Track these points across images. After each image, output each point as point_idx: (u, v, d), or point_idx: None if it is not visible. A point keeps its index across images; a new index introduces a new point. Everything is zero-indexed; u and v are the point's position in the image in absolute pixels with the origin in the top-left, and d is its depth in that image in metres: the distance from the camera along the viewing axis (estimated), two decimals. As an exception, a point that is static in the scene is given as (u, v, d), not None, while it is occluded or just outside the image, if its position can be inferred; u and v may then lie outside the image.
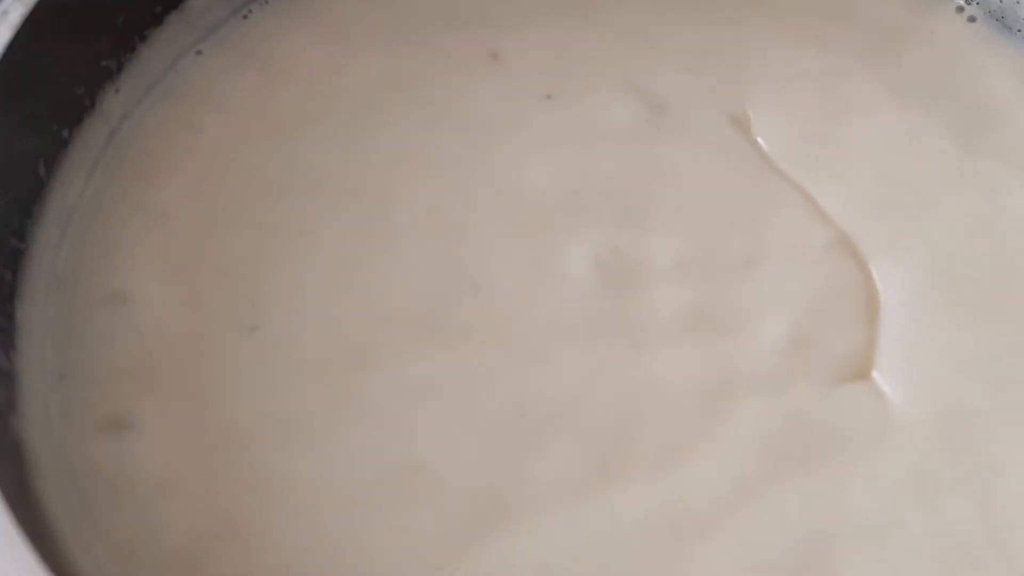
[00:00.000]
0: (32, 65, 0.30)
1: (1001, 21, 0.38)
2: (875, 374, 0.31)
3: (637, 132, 0.35)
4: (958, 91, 0.37)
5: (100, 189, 0.33)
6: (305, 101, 0.35)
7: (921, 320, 0.32)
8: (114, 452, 0.28)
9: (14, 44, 0.29)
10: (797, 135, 0.36)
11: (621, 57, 0.36)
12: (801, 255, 0.33)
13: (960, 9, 0.39)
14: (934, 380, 0.31)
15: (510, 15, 0.37)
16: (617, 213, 0.33)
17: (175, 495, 0.28)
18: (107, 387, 0.29)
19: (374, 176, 0.34)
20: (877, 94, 0.36)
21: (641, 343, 0.31)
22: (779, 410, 0.30)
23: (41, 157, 0.31)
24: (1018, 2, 0.38)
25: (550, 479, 0.28)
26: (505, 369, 0.30)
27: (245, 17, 0.37)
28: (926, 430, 0.30)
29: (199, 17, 0.36)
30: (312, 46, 0.36)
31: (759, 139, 0.36)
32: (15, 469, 0.25)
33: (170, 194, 0.33)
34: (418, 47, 0.36)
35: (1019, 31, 0.38)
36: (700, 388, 0.30)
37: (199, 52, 0.36)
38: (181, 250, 0.32)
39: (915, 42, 0.38)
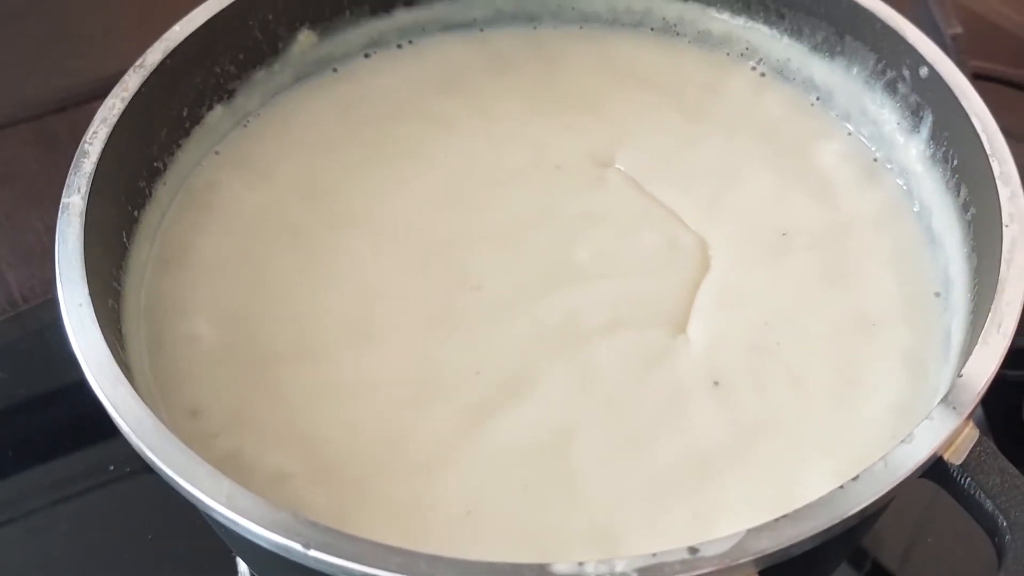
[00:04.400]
0: (111, 166, 0.44)
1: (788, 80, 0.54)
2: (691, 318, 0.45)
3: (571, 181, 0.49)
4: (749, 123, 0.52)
5: (159, 250, 0.47)
6: (315, 164, 0.50)
7: (733, 281, 0.46)
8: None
9: (106, 150, 0.43)
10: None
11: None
12: (661, 251, 0.47)
13: (753, 68, 0.55)
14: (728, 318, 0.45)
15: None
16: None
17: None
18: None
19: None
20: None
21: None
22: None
23: (123, 228, 0.45)
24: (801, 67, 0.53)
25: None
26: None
27: (245, 126, 0.52)
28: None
29: (214, 129, 0.51)
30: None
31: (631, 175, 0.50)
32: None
33: (210, 249, 0.47)
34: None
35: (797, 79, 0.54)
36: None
37: (217, 152, 0.51)
38: (222, 287, 0.46)
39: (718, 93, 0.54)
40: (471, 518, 0.39)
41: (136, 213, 0.46)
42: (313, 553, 0.33)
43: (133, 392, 0.37)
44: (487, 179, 0.49)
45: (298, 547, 0.33)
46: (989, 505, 0.35)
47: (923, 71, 0.47)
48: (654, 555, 0.33)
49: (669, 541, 0.33)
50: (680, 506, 0.39)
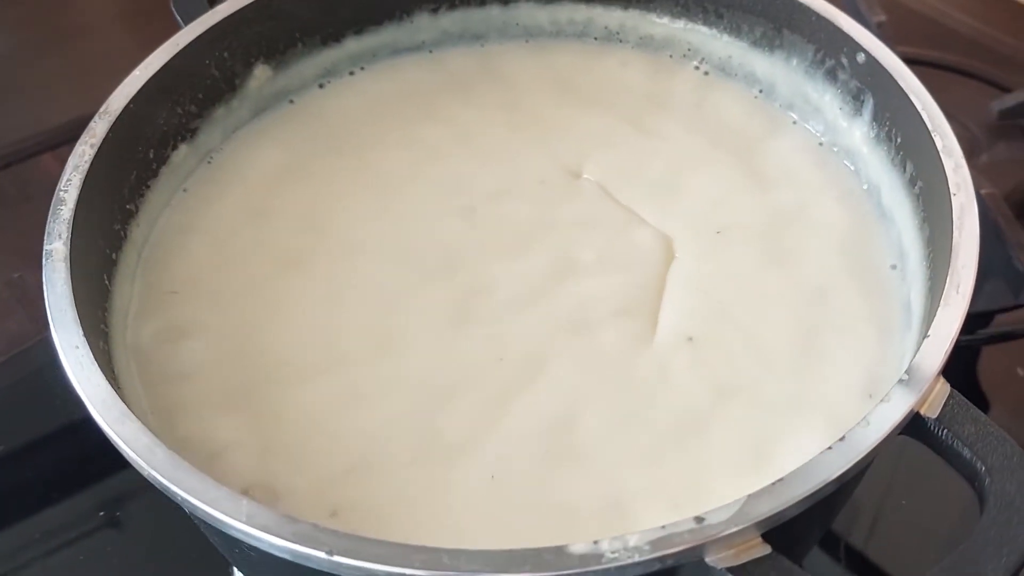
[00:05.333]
0: (88, 211, 0.44)
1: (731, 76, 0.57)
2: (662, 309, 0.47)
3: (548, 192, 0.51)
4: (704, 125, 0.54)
5: (140, 288, 0.48)
6: (290, 192, 0.51)
7: (693, 271, 0.48)
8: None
9: (81, 196, 0.44)
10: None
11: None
12: (630, 244, 0.49)
13: (696, 67, 0.57)
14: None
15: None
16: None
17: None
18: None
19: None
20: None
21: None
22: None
23: (103, 271, 0.46)
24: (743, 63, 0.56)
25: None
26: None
27: (209, 162, 0.53)
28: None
29: (180, 167, 0.52)
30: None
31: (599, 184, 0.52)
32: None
33: (200, 281, 0.48)
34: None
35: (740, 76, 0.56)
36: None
37: (185, 190, 0.52)
38: (221, 316, 0.47)
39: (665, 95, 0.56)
40: (495, 482, 0.41)
41: (114, 255, 0.47)
42: (337, 559, 0.34)
43: (141, 425, 0.37)
44: (477, 197, 0.51)
45: (322, 555, 0.34)
46: (967, 453, 0.38)
47: (860, 57, 0.50)
48: (663, 527, 0.34)
49: (667, 493, 0.38)
50: (674, 463, 0.42)
